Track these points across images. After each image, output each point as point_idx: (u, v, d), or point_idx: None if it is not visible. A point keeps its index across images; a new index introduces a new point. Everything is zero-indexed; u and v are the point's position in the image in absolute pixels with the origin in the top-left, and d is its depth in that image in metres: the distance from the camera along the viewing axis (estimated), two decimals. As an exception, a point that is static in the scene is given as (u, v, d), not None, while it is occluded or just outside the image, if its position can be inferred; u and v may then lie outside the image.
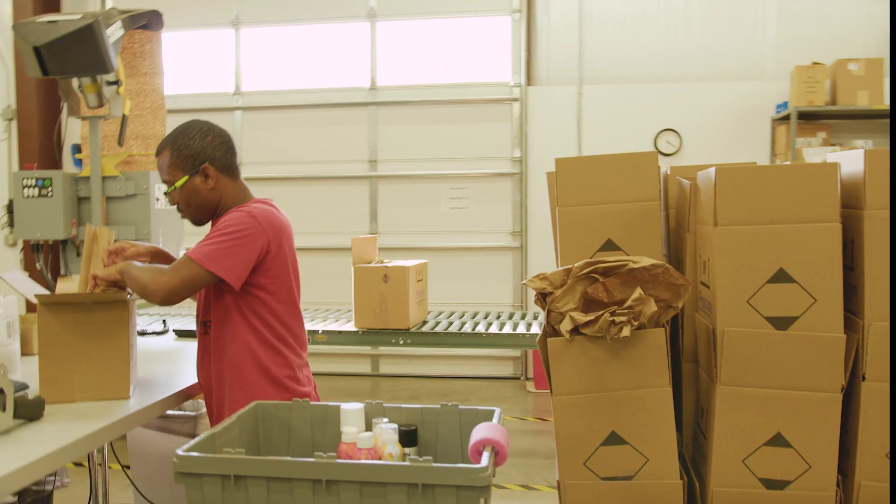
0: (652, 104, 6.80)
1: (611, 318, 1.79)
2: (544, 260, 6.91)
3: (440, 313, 5.43)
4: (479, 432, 1.55)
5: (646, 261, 1.86)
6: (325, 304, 6.09)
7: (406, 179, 7.19)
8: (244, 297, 2.22)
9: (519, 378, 7.06)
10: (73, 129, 7.26)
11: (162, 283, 2.05)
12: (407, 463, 1.40)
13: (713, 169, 1.85)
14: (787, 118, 6.29)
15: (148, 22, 3.38)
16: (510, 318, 5.25)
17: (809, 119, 6.32)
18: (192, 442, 1.53)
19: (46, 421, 1.89)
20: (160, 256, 2.39)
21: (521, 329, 4.75)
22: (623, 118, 6.84)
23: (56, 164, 7.28)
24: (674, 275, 1.86)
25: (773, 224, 1.79)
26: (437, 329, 4.75)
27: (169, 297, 2.07)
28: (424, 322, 4.94)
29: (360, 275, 4.64)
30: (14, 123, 7.38)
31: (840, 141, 6.35)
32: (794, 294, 1.79)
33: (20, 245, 7.56)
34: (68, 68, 3.00)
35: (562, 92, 6.96)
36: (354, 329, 4.68)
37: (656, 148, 6.78)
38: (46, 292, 2.44)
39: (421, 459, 1.40)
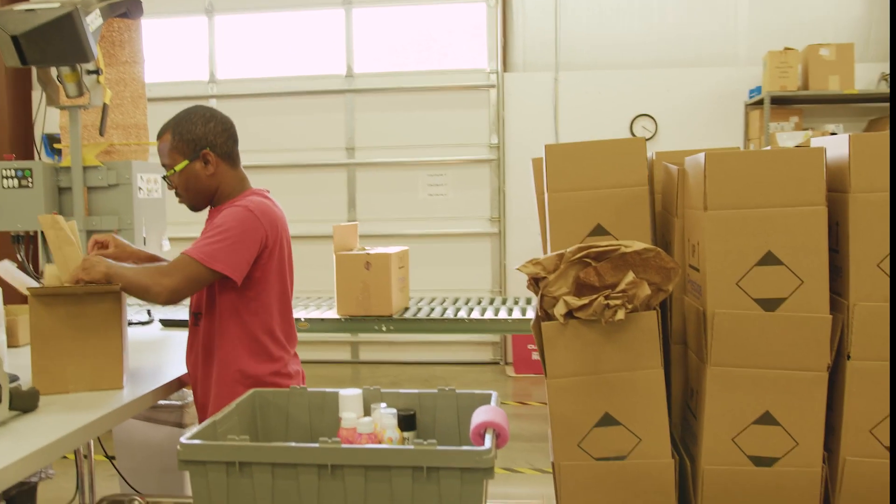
0: (627, 90, 6.85)
1: (605, 302, 1.82)
2: (523, 245, 6.96)
3: (421, 299, 5.44)
4: (480, 415, 1.58)
5: (637, 245, 1.89)
6: (305, 292, 6.07)
7: (384, 167, 7.18)
8: (236, 291, 2.21)
9: (498, 363, 7.11)
10: (45, 119, 7.15)
11: (165, 285, 2.04)
12: (412, 447, 1.42)
13: (702, 154, 1.88)
14: (760, 103, 6.38)
15: (127, 10, 3.33)
16: (491, 303, 5.28)
17: (782, 104, 6.41)
18: (195, 430, 1.54)
19: (41, 412, 1.89)
20: (140, 259, 2.37)
21: (503, 314, 4.79)
22: (599, 104, 6.89)
23: (30, 152, 7.18)
24: (665, 258, 1.90)
25: (762, 208, 1.83)
26: (420, 315, 4.77)
27: (172, 298, 2.07)
28: (406, 308, 4.95)
29: (342, 262, 4.64)
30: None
31: (812, 125, 6.45)
32: (782, 276, 1.83)
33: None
34: (47, 57, 2.96)
35: (538, 78, 6.98)
36: (337, 316, 4.70)
37: (632, 133, 6.84)
38: (37, 284, 2.42)
39: (426, 443, 1.42)
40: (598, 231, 2.15)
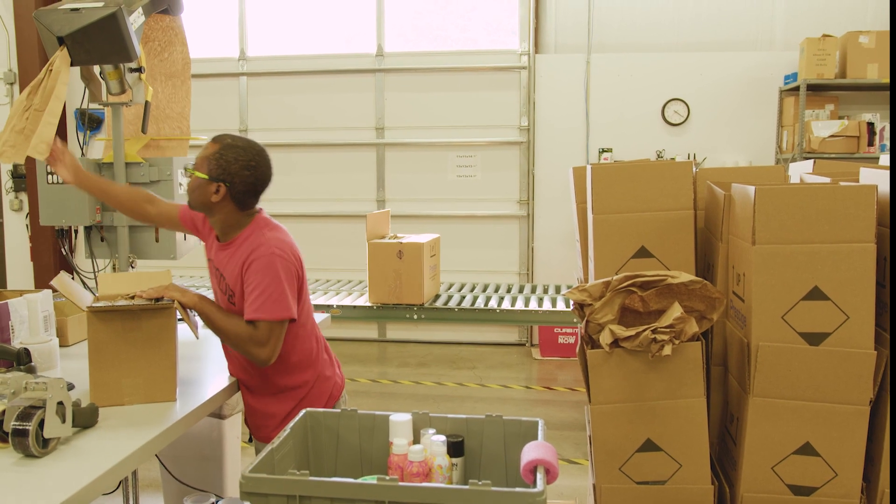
0: (660, 73, 6.79)
1: (652, 336, 1.84)
2: (551, 228, 6.97)
3: (451, 285, 5.48)
4: (531, 452, 1.62)
5: (684, 277, 1.91)
6: (333, 272, 6.15)
7: (413, 147, 7.19)
8: None
9: (524, 344, 7.16)
10: (74, 93, 7.19)
11: (267, 355, 2.25)
12: (467, 486, 1.47)
13: (752, 187, 1.89)
14: (795, 90, 6.29)
15: (168, 6, 3.35)
16: (520, 291, 5.32)
17: (818, 90, 6.33)
18: (255, 462, 1.60)
19: (100, 427, 1.95)
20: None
21: (533, 304, 4.83)
22: (631, 87, 6.83)
23: (61, 123, 7.23)
24: (710, 289, 1.92)
25: (810, 243, 1.84)
26: (451, 304, 4.82)
27: (271, 361, 2.29)
28: (437, 296, 5.00)
29: (374, 251, 4.69)
30: (16, 87, 7.32)
31: (848, 113, 6.37)
32: (828, 311, 1.85)
33: (26, 209, 7.56)
34: (92, 57, 3.00)
35: (570, 60, 6.93)
36: (369, 304, 4.76)
37: (664, 118, 6.78)
38: (91, 295, 2.48)
39: (480, 483, 1.46)
40: (642, 253, 2.17)
